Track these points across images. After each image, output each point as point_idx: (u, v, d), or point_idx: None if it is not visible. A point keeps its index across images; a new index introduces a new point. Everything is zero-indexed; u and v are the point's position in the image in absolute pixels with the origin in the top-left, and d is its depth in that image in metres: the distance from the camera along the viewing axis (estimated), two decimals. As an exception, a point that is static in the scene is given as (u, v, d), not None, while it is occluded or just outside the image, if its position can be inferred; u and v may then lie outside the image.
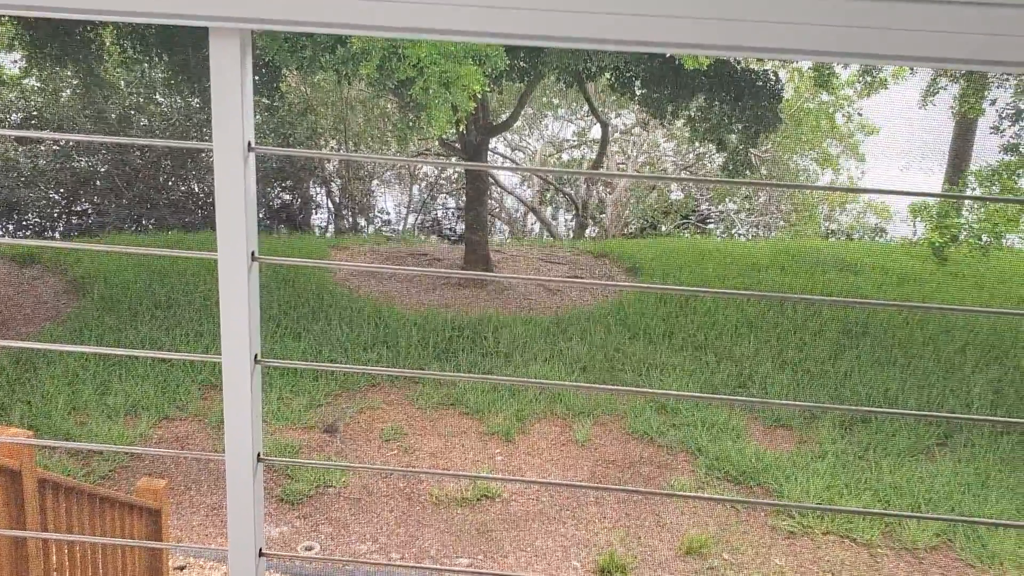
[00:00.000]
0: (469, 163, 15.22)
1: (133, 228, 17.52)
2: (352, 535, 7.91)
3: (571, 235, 20.54)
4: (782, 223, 20.57)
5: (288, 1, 1.08)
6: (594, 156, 20.61)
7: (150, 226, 17.66)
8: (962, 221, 10.54)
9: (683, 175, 20.82)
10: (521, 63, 11.61)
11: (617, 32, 1.08)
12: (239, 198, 1.20)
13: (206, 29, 1.17)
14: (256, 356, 1.28)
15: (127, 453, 8.80)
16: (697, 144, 18.38)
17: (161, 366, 10.22)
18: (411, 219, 20.83)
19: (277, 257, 1.17)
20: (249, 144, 1.20)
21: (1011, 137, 11.15)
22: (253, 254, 1.23)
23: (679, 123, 15.66)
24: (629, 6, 1.06)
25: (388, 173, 20.93)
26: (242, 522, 1.36)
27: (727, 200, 21.14)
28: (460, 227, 19.79)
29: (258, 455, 1.33)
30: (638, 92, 12.47)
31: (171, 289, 12.03)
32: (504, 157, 21.57)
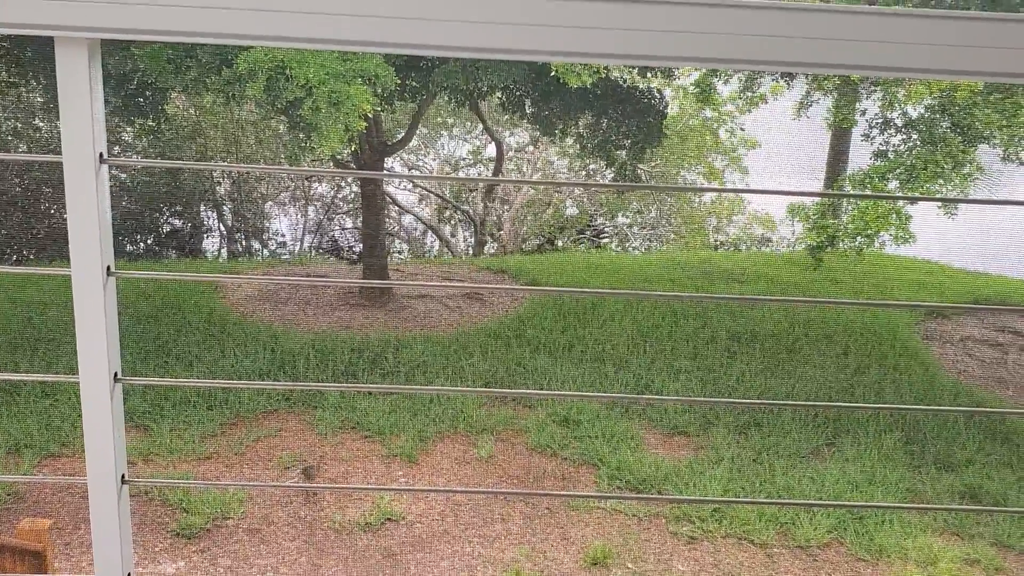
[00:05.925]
0: (362, 172, 14.85)
1: (14, 258, 16.73)
2: (253, 568, 7.70)
3: (470, 252, 20.58)
4: (672, 236, 21.08)
5: (135, 10, 1.06)
6: (490, 174, 20.74)
7: (31, 256, 16.89)
8: (838, 222, 11.09)
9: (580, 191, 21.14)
10: (412, 82, 11.60)
11: (486, 41, 1.10)
12: (91, 211, 1.17)
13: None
14: (116, 374, 1.25)
15: (8, 494, 8.37)
16: (588, 160, 18.69)
17: (44, 402, 9.77)
18: (307, 240, 20.51)
19: (134, 271, 1.15)
20: (101, 156, 1.17)
21: (880, 144, 11.81)
22: (109, 268, 1.20)
23: (569, 140, 15.93)
24: (506, 16, 1.08)
25: (283, 194, 20.56)
26: (108, 547, 1.31)
27: (620, 214, 21.54)
28: (358, 247, 19.59)
29: (122, 476, 1.29)
30: (528, 110, 12.62)
31: (51, 321, 11.53)
32: (401, 177, 21.48)
